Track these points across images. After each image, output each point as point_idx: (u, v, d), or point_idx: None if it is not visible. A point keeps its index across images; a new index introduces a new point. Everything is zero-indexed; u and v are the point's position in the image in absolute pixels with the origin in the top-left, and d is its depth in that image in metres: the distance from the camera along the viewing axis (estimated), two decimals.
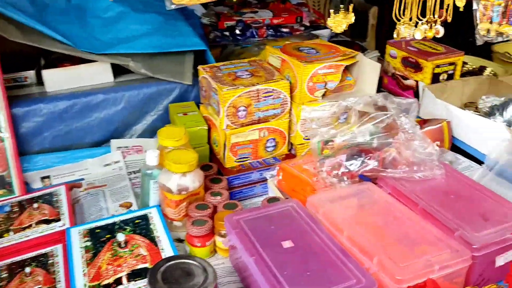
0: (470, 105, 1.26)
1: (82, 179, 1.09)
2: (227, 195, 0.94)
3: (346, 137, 0.99)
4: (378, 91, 1.41)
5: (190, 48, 1.18)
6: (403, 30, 0.81)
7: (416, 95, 1.29)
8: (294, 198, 0.94)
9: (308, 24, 1.94)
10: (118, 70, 1.18)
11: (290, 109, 1.07)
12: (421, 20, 0.81)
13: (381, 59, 1.64)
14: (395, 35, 0.84)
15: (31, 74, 1.17)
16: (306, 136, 1.08)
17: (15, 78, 1.16)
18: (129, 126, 1.16)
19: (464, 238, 0.72)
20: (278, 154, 1.10)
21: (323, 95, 1.08)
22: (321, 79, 1.05)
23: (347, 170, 0.92)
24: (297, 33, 1.85)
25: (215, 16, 1.87)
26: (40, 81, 1.18)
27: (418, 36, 0.82)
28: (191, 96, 1.19)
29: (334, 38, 2.01)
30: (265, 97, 1.02)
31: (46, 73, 1.11)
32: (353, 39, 2.02)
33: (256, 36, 1.83)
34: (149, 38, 1.16)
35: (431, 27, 0.82)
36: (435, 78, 1.26)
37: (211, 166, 1.04)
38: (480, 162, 1.05)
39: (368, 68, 1.09)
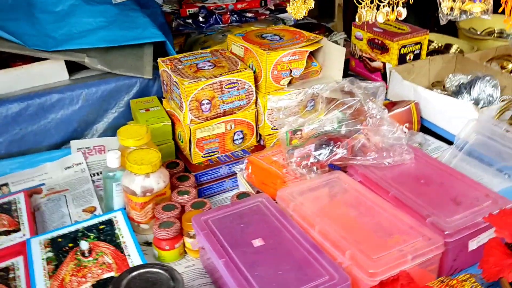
0: (437, 84, 1.25)
1: (43, 184, 1.04)
2: (195, 193, 0.91)
3: (314, 125, 0.96)
4: (346, 74, 1.40)
5: (148, 40, 1.13)
6: (365, 14, 0.78)
7: (384, 76, 1.28)
8: (264, 191, 0.92)
9: (273, 7, 1.90)
10: (73, 67, 1.12)
11: (256, 100, 1.04)
12: (382, 2, 0.79)
13: (348, 40, 1.62)
14: (357, 19, 0.81)
15: None
16: (274, 126, 1.05)
17: None
18: (89, 126, 1.10)
19: (435, 224, 0.71)
20: (246, 146, 1.06)
21: (289, 83, 1.05)
22: (285, 67, 1.02)
23: (316, 160, 0.90)
24: (262, 17, 1.81)
25: (177, 3, 1.81)
26: None
27: (381, 19, 0.80)
28: (153, 91, 1.14)
29: (301, 21, 1.98)
30: (229, 88, 0.98)
31: None
32: (320, 20, 1.99)
33: (220, 23, 1.78)
34: (104, 31, 1.10)
35: (393, 10, 0.79)
36: (402, 59, 1.24)
37: (178, 163, 1.00)
38: (450, 143, 1.05)
39: (333, 53, 1.06)
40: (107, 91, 1.09)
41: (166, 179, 0.87)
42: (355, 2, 0.77)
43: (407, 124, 1.10)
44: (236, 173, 1.00)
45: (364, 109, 0.95)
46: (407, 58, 1.25)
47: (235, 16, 1.80)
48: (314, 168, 0.90)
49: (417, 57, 1.27)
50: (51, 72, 1.09)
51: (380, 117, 0.94)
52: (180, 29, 1.73)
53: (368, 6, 0.77)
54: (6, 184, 1.02)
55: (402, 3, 0.78)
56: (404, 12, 0.80)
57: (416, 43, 1.25)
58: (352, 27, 1.35)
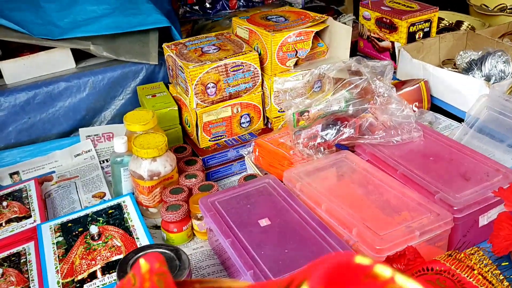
0: (448, 62, 1.23)
1: (53, 172, 1.05)
2: (203, 176, 0.91)
3: (321, 106, 0.95)
4: (354, 55, 1.38)
5: (153, 26, 1.13)
6: None
7: (393, 56, 1.26)
8: (272, 173, 0.92)
9: None
10: (80, 56, 1.13)
11: (262, 82, 1.03)
12: None
13: (356, 22, 1.59)
14: None
15: None
16: (281, 109, 1.04)
17: None
18: (97, 113, 1.11)
19: (445, 200, 0.69)
20: (254, 129, 1.06)
21: (295, 64, 1.04)
22: (291, 48, 1.01)
23: (323, 140, 0.89)
24: (270, 1, 1.79)
25: None
26: None
27: None
28: (159, 77, 1.14)
29: (309, 4, 1.96)
30: (234, 71, 0.98)
31: (4, 65, 1.05)
32: (329, 4, 1.97)
33: (227, 8, 1.77)
34: (109, 18, 1.10)
35: None
36: (411, 37, 1.22)
37: (185, 147, 1.00)
38: (460, 120, 1.03)
39: (340, 33, 1.04)
40: (114, 78, 1.09)
41: (173, 163, 0.88)
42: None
43: (416, 103, 1.08)
44: (243, 156, 1.00)
45: (371, 88, 0.93)
46: (417, 36, 1.23)
47: (242, 1, 1.78)
48: (321, 148, 0.89)
49: (426, 35, 1.24)
50: (57, 60, 1.09)
51: (387, 95, 0.92)
52: (187, 16, 1.72)
53: None
54: (17, 173, 1.04)
55: None
56: None
57: (426, 21, 1.22)
58: (360, 7, 1.33)
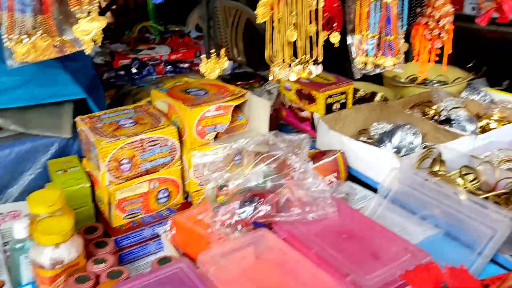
0: (364, 132, 1.28)
1: None
2: (113, 260, 0.85)
3: (239, 180, 0.94)
4: (277, 124, 1.41)
5: (68, 98, 1.09)
6: (278, 72, 0.79)
7: (313, 125, 1.30)
8: (189, 253, 0.88)
9: None
10: None
11: (181, 156, 1.01)
12: (293, 61, 0.80)
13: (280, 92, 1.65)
14: (270, 77, 0.82)
15: None
16: (201, 183, 1.02)
17: None
18: (2, 190, 1.03)
19: (355, 283, 0.69)
20: (172, 204, 1.03)
21: (215, 137, 1.04)
22: (210, 122, 1.00)
23: (240, 218, 0.87)
24: (197, 67, 1.81)
25: (110, 54, 1.78)
26: None
27: (293, 77, 0.81)
28: (73, 150, 1.09)
29: (238, 70, 2.01)
30: (151, 146, 0.95)
31: None
32: (256, 64, 2.03)
33: (154, 74, 1.77)
34: (20, 90, 1.05)
35: (304, 68, 0.80)
36: (329, 108, 1.27)
37: (96, 227, 0.94)
38: (376, 191, 1.06)
39: (259, 107, 1.06)
40: (22, 153, 1.03)
41: (80, 248, 0.81)
42: (267, 61, 0.78)
43: (335, 174, 1.11)
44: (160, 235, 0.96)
45: (287, 163, 0.95)
46: (334, 107, 1.28)
47: (169, 66, 1.79)
48: (239, 226, 0.88)
49: (343, 106, 1.30)
50: None
51: (304, 170, 0.94)
52: (112, 81, 1.70)
53: (280, 65, 0.78)
54: None
55: (314, 61, 0.79)
56: (315, 70, 0.81)
57: (342, 93, 1.28)
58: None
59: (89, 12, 0.65)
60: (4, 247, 0.97)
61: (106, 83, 1.66)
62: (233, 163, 1.03)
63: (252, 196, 0.90)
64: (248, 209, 0.87)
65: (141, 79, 1.73)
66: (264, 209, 0.87)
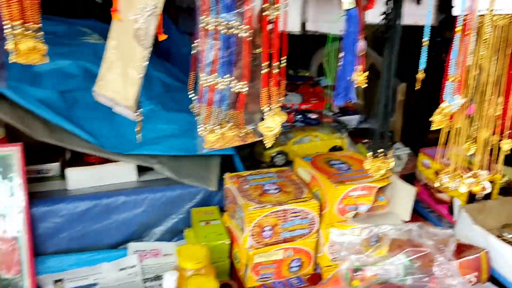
0: (507, 226, 1.18)
1: (96, 284, 1.04)
2: None
3: (377, 269, 0.92)
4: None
5: (217, 153, 1.15)
6: (446, 180, 0.76)
7: (451, 210, 1.23)
8: None
9: (337, 110, 1.93)
10: (142, 166, 1.16)
11: (318, 229, 1.01)
12: (467, 173, 0.77)
13: (411, 156, 1.59)
14: (437, 184, 0.79)
15: (54, 167, 1.15)
16: (334, 258, 1.01)
17: (38, 170, 1.15)
18: (148, 229, 1.12)
19: None
20: (302, 274, 1.03)
21: (354, 216, 1.03)
22: (352, 201, 1.00)
23: None
24: (325, 120, 1.82)
25: None
26: (63, 174, 1.16)
27: (463, 190, 0.77)
28: (214, 200, 1.15)
29: (364, 124, 1.98)
30: (293, 217, 0.97)
31: (70, 172, 1.09)
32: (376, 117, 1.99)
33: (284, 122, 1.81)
34: (176, 139, 1.14)
35: (478, 182, 0.77)
36: (471, 196, 1.19)
37: (231, 286, 0.98)
38: None
39: (403, 191, 1.04)
40: (172, 198, 1.11)
41: None
42: (435, 173, 0.75)
43: (476, 274, 1.03)
44: None
45: (432, 260, 0.90)
46: (477, 195, 1.20)
47: (299, 116, 1.82)
48: None
49: (487, 196, 1.21)
50: (122, 173, 1.12)
51: (447, 270, 0.89)
52: None
53: (450, 174, 0.75)
54: (61, 280, 1.03)
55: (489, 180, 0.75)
56: (488, 187, 0.77)
57: (489, 181, 1.20)
58: (419, 153, 1.33)
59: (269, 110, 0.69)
60: (144, 284, 1.05)
61: None
62: (369, 245, 1.02)
63: None
64: None
65: None
66: None
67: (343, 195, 0.98)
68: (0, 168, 0.98)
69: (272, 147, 1.56)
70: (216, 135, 0.71)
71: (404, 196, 1.04)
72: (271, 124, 0.69)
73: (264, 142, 0.74)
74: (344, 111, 1.95)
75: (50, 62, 1.12)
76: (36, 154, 1.08)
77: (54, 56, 1.11)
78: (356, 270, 0.93)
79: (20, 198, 0.99)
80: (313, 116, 1.84)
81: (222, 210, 1.12)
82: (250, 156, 1.51)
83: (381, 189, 1.08)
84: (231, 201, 1.04)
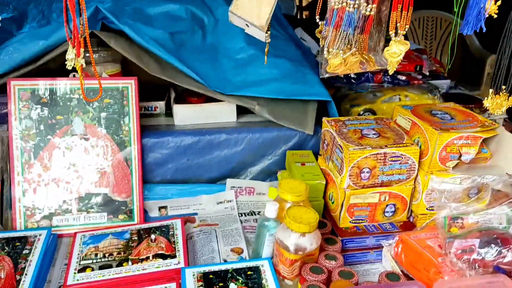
0: None
1: (196, 213, 1.12)
2: (342, 260, 0.90)
3: (478, 217, 0.91)
4: None
5: (315, 98, 1.17)
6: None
7: None
8: (413, 275, 0.89)
9: (427, 73, 1.87)
10: (240, 110, 1.21)
11: (416, 176, 1.01)
12: None
13: (507, 121, 1.52)
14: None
15: (161, 104, 1.23)
16: (431, 207, 1.01)
17: (147, 106, 1.23)
18: (245, 167, 1.17)
19: None
20: (396, 220, 1.04)
21: (454, 166, 1.01)
22: (455, 150, 0.98)
23: (480, 258, 0.84)
24: (415, 82, 1.77)
25: None
26: (168, 112, 1.24)
27: None
28: (308, 145, 1.18)
29: (453, 90, 1.91)
30: (392, 161, 0.97)
31: (177, 108, 1.16)
32: (463, 85, 1.91)
33: (371, 81, 1.78)
34: (276, 83, 1.17)
35: None
36: None
37: (326, 223, 1.01)
38: None
39: (509, 143, 1.00)
40: (268, 139, 1.15)
41: (318, 241, 0.88)
42: None
43: None
44: (381, 246, 0.98)
45: None
46: None
47: (387, 77, 1.78)
48: (476, 265, 0.85)
49: None
50: (223, 112, 1.18)
51: None
52: (331, 81, 1.77)
53: None
54: (165, 207, 1.12)
55: None
56: None
57: None
58: None
59: (395, 35, 0.69)
60: (239, 217, 1.11)
61: (325, 81, 1.74)
62: (468, 196, 1.00)
63: (496, 238, 0.86)
64: (491, 251, 0.84)
65: (358, 85, 1.76)
66: (510, 255, 0.82)
67: (447, 142, 0.97)
68: (117, 98, 1.07)
69: (359, 104, 1.56)
70: (339, 60, 0.73)
71: (510, 148, 1.00)
72: (396, 50, 0.69)
73: (387, 69, 0.74)
74: (434, 75, 1.88)
75: (160, 5, 1.20)
76: (144, 93, 1.16)
77: (164, 0, 1.18)
78: (455, 218, 0.93)
79: (133, 128, 1.08)
80: (402, 77, 1.80)
81: (315, 154, 1.15)
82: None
83: (484, 142, 1.05)
84: (328, 143, 1.06)
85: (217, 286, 0.85)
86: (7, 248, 0.91)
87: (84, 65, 0.76)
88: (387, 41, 0.77)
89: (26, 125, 1.03)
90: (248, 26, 0.75)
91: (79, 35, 0.73)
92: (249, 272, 0.88)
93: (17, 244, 0.93)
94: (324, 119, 1.09)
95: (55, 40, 1.03)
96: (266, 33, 0.76)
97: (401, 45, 0.70)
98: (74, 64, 0.74)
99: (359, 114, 1.47)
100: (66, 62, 0.76)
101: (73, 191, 1.04)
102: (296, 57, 1.26)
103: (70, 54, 0.72)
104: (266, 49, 0.85)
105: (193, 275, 0.87)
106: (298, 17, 3.70)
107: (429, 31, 3.13)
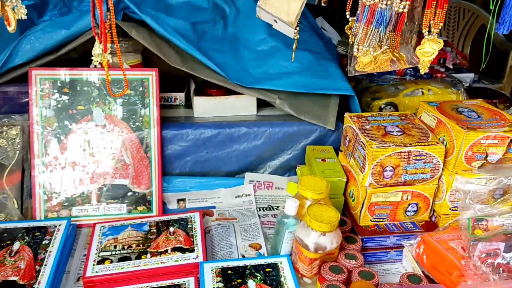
0: None
1: (214, 207, 1.11)
2: (362, 259, 0.89)
3: (504, 220, 0.88)
4: None
5: (338, 92, 1.15)
6: None
7: None
8: (435, 277, 0.87)
9: (450, 66, 1.82)
10: (260, 103, 1.19)
11: (440, 175, 0.99)
12: None
13: None
14: None
15: (181, 96, 1.22)
16: (454, 207, 0.99)
17: (166, 97, 1.23)
18: (264, 161, 1.16)
19: None
20: (417, 220, 1.02)
21: (480, 166, 0.98)
22: (482, 150, 0.95)
23: (504, 262, 0.82)
24: (438, 75, 1.74)
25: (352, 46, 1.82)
26: (187, 104, 1.23)
27: None
28: (329, 140, 1.16)
29: (476, 84, 1.87)
30: (417, 160, 0.95)
31: (197, 101, 1.15)
32: (485, 78, 1.87)
33: (393, 74, 1.75)
34: (297, 76, 1.15)
35: None
36: None
37: (346, 221, 0.99)
38: None
39: None
40: (289, 133, 1.13)
41: (339, 240, 0.87)
42: None
43: None
44: (402, 246, 0.96)
45: None
46: None
47: (410, 69, 1.75)
48: (500, 269, 0.83)
49: None
50: (243, 105, 1.17)
51: None
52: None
53: None
54: (183, 200, 1.12)
55: None
56: None
57: None
58: None
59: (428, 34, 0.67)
60: (258, 212, 1.10)
61: (345, 73, 1.71)
62: (493, 198, 0.97)
63: None
64: None
65: (380, 77, 1.73)
66: None
67: (473, 142, 0.94)
68: (138, 90, 1.07)
69: (380, 98, 1.53)
70: (370, 58, 0.70)
71: None
72: (429, 49, 0.67)
73: (418, 68, 0.72)
74: (457, 68, 1.84)
75: None
76: (163, 84, 1.15)
77: None
78: (479, 219, 0.90)
79: (154, 120, 1.07)
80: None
81: (335, 150, 1.13)
82: None
83: (511, 141, 1.02)
84: (350, 139, 1.04)
85: (236, 282, 0.84)
86: (27, 238, 0.92)
87: (110, 60, 0.75)
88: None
89: (46, 115, 1.03)
90: (276, 21, 0.73)
91: (106, 30, 0.72)
92: (267, 269, 0.88)
93: (37, 234, 0.93)
94: (347, 115, 1.07)
95: (76, 29, 1.02)
96: (295, 29, 0.74)
97: (434, 43, 0.67)
98: (100, 60, 0.73)
99: (380, 108, 1.44)
100: (92, 58, 0.76)
101: (93, 182, 1.04)
102: (318, 49, 1.24)
103: (97, 49, 0.71)
104: (294, 46, 0.83)
105: (212, 270, 0.87)
106: (318, 5, 3.63)
107: (452, 21, 3.05)
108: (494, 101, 1.65)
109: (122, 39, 1.10)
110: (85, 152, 1.04)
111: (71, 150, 1.04)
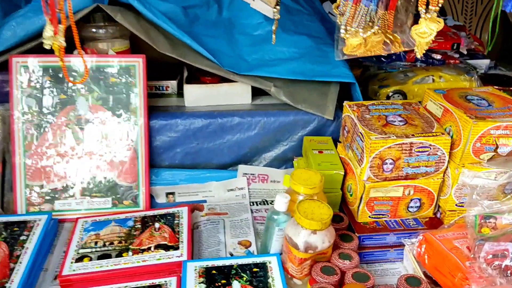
0: None
1: (205, 201, 1.06)
2: (357, 259, 0.82)
3: None
4: None
5: (337, 79, 1.08)
6: None
7: None
8: (437, 279, 0.80)
9: (465, 52, 1.72)
10: (255, 90, 1.12)
11: (446, 168, 0.91)
12: None
13: None
14: None
15: (173, 84, 1.17)
16: (461, 203, 0.91)
17: (157, 86, 1.17)
18: (259, 153, 1.10)
19: None
20: (421, 216, 0.94)
21: (489, 159, 0.90)
22: (491, 141, 0.87)
23: None
24: (451, 61, 1.64)
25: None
26: (180, 92, 1.17)
27: None
28: (328, 131, 1.09)
29: (493, 70, 1.77)
30: (419, 152, 0.88)
31: (188, 89, 1.09)
32: (503, 65, 1.76)
33: (403, 60, 1.66)
34: (295, 63, 1.08)
35: None
36: None
37: (342, 218, 0.93)
38: None
39: None
40: (284, 123, 1.07)
41: (331, 239, 0.81)
42: None
43: None
44: (403, 245, 0.89)
45: None
46: None
47: (422, 55, 1.65)
48: (508, 272, 0.75)
49: None
50: (236, 94, 1.10)
51: None
52: (360, 60, 1.65)
53: None
54: (173, 193, 1.06)
55: None
56: None
57: None
58: None
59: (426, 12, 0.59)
60: (250, 207, 1.04)
61: (351, 61, 1.62)
62: (503, 193, 0.89)
63: None
64: None
65: (389, 64, 1.64)
66: None
67: (482, 132, 0.86)
68: (123, 78, 1.01)
69: (388, 85, 1.44)
70: (359, 39, 0.63)
71: None
72: (426, 29, 0.59)
73: (414, 51, 0.64)
74: (472, 54, 1.74)
75: None
76: (155, 71, 1.09)
77: None
78: (487, 217, 0.83)
79: (141, 109, 1.01)
80: (437, 56, 1.66)
81: (334, 141, 1.06)
82: (363, 94, 1.41)
83: None
84: (349, 130, 0.97)
85: (219, 283, 0.78)
86: (4, 233, 0.88)
87: (64, 45, 0.69)
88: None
89: (28, 104, 0.98)
90: (253, 0, 0.67)
91: (57, 9, 0.66)
92: (255, 269, 0.82)
93: (16, 229, 0.89)
94: (345, 103, 0.99)
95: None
96: (275, 8, 0.67)
97: (432, 23, 0.59)
98: (51, 44, 0.67)
99: (388, 96, 1.36)
100: (42, 40, 0.69)
101: (77, 175, 1.00)
102: (319, 33, 1.16)
103: (48, 32, 0.65)
104: (273, 27, 0.75)
105: (195, 269, 0.82)
106: None
107: (469, 6, 2.92)
108: (510, 88, 1.55)
109: (108, 24, 1.04)
110: (69, 144, 0.99)
111: (54, 141, 0.99)
